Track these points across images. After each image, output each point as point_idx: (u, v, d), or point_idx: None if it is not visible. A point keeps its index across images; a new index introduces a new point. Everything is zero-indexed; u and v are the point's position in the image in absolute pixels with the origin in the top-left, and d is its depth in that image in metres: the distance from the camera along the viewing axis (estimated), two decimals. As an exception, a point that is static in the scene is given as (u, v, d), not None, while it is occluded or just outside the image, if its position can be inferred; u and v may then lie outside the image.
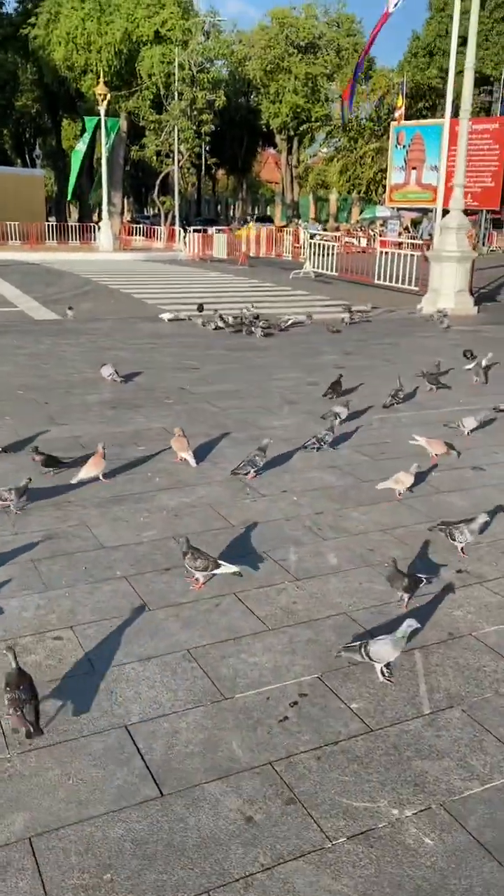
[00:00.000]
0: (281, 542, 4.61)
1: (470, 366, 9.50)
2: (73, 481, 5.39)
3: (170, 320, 13.20)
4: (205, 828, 2.46)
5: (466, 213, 29.14)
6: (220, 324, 12.58)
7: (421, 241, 25.22)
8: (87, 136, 33.23)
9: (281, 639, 3.57)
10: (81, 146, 33.97)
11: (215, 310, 13.41)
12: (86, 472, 5.48)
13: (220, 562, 4.01)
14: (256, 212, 56.98)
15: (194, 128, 37.31)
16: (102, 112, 31.67)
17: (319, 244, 23.99)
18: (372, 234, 36.95)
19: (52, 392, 8.27)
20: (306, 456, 6.23)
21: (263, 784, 2.66)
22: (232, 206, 61.31)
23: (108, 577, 4.15)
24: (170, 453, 6.22)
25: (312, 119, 46.96)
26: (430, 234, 27.77)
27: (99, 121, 32.21)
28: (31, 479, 5.04)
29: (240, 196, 59.41)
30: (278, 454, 6.24)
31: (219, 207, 65.42)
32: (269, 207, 59.27)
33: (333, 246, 23.56)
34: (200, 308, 14.35)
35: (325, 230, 37.86)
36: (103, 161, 32.81)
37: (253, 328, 12.31)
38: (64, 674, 3.27)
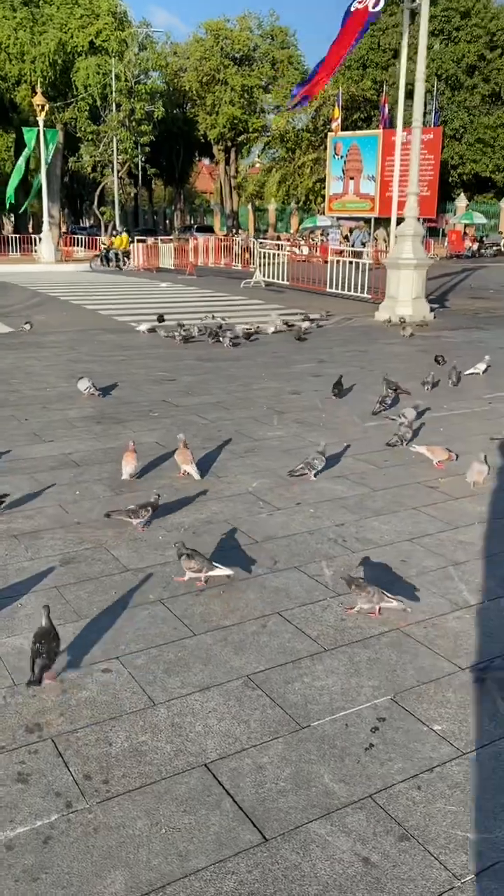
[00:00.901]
0: (310, 557, 4.46)
1: (481, 367, 9.50)
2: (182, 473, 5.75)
3: (148, 331, 12.88)
4: (323, 874, 2.28)
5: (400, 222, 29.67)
6: (196, 333, 12.41)
7: (352, 250, 25.42)
8: (28, 149, 32.54)
9: (341, 659, 3.41)
10: (22, 160, 33.23)
11: (178, 321, 13.21)
12: (184, 465, 5.74)
13: (215, 564, 4.02)
14: (195, 222, 56.75)
15: (133, 138, 37.01)
16: (41, 123, 31.08)
17: (268, 253, 24.01)
18: (314, 242, 37.27)
19: (28, 408, 7.94)
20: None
21: (369, 820, 2.49)
22: (169, 217, 61.02)
23: (141, 601, 3.92)
24: (169, 468, 6.02)
25: (250, 130, 47.15)
26: (363, 243, 28.10)
27: (37, 132, 31.59)
28: (159, 496, 4.92)
29: (177, 206, 59.19)
30: (283, 466, 6.09)
31: (156, 218, 65.03)
32: (207, 217, 59.17)
33: (284, 255, 23.55)
34: (161, 319, 14.13)
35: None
36: (42, 172, 32.19)
37: (221, 338, 12.16)
38: (122, 710, 3.03)
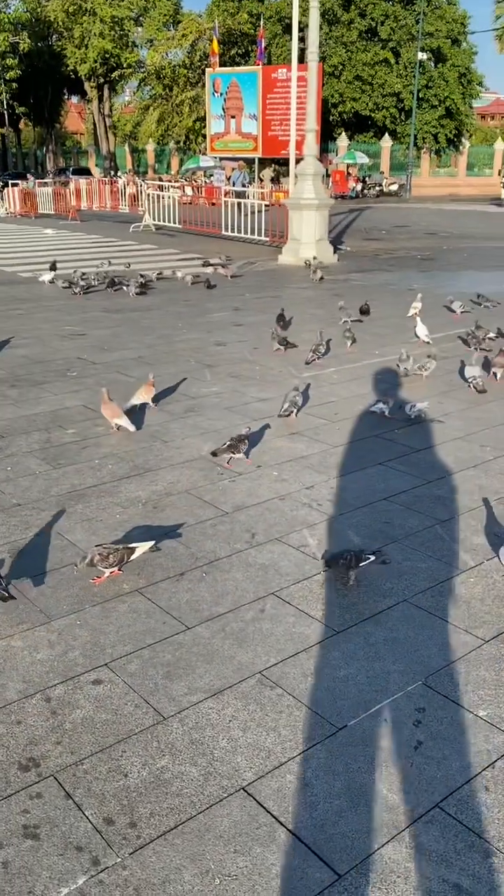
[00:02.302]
0: (289, 526, 4.10)
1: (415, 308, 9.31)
2: (126, 406, 5.69)
3: (50, 282, 11.87)
4: (416, 911, 1.97)
5: (283, 161, 29.00)
6: (95, 283, 11.62)
7: (235, 190, 24.63)
8: None
9: (357, 642, 3.09)
10: None
11: (75, 269, 12.34)
12: (137, 398, 5.84)
13: (132, 545, 3.56)
14: (70, 164, 53.78)
15: (-2, 73, 34.34)
16: None
17: (158, 196, 22.97)
18: (197, 184, 36.12)
19: None
20: (259, 425, 5.71)
21: (445, 836, 2.20)
22: (41, 159, 57.56)
23: (116, 593, 3.46)
24: (108, 435, 5.48)
25: (123, 65, 44.73)
26: (244, 185, 27.37)
27: None
28: (249, 428, 5.08)
29: (49, 148, 55.87)
30: (230, 425, 5.68)
31: (26, 161, 61.24)
32: (81, 159, 56.21)
33: (173, 198, 22.58)
34: (53, 267, 13.15)
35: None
36: None
37: (126, 286, 11.44)
38: (130, 730, 2.60)
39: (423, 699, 2.76)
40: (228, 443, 4.85)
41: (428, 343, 7.92)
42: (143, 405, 6.01)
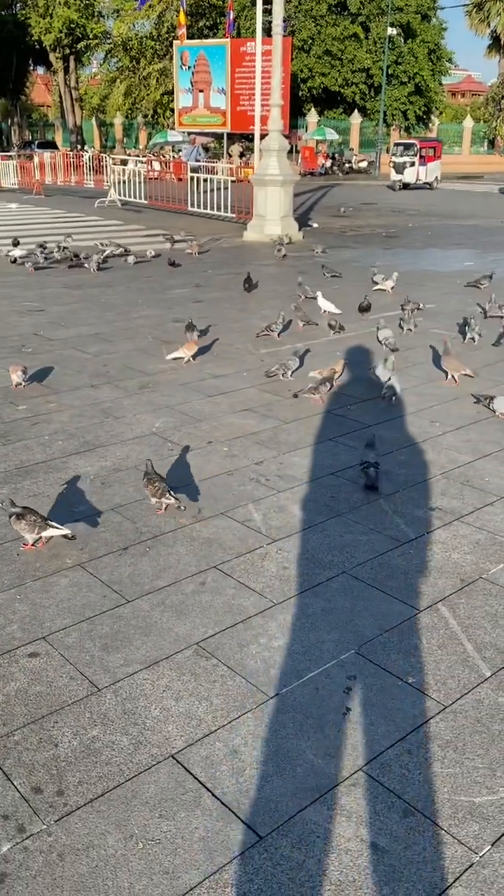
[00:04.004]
0: (236, 501, 4.13)
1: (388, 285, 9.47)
2: (168, 357, 6.49)
3: (21, 258, 11.60)
4: (333, 871, 2.03)
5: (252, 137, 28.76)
6: (57, 257, 11.45)
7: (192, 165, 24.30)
8: None
9: (293, 613, 3.14)
10: None
11: (42, 244, 12.14)
12: (181, 352, 6.55)
13: (51, 523, 3.55)
14: (35, 137, 52.76)
15: (-40, 42, 33.39)
16: None
17: (122, 170, 22.64)
18: (165, 159, 35.66)
19: None
20: (213, 401, 5.72)
21: (367, 797, 2.26)
22: (6, 132, 56.35)
23: (58, 567, 3.47)
24: (60, 411, 5.46)
25: (90, 36, 43.79)
26: (197, 160, 27.00)
27: None
28: (335, 370, 5.69)
29: (14, 121, 54.67)
30: (184, 402, 5.68)
31: (-9, 134, 59.90)
32: (48, 132, 55.15)
33: (140, 172, 22.27)
34: (16, 242, 12.91)
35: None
36: None
37: (87, 263, 11.30)
38: (63, 701, 2.63)
39: (354, 667, 2.82)
40: (311, 386, 5.53)
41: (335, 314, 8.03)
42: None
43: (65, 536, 3.62)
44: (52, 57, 45.43)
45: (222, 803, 2.23)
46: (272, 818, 2.19)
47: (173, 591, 3.28)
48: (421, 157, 32.06)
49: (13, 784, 2.28)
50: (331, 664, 2.83)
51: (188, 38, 33.33)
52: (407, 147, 32.54)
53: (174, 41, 33.72)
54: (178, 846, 2.09)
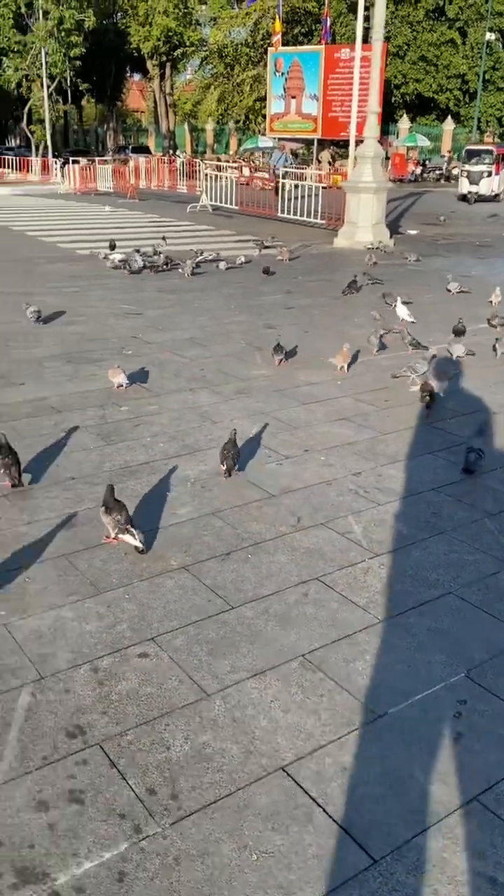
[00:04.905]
0: (335, 511, 4.11)
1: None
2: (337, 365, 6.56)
3: (120, 261, 11.84)
4: (450, 899, 1.99)
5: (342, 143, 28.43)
6: (159, 261, 11.67)
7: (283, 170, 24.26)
8: None
9: (399, 632, 3.09)
10: None
11: (137, 248, 12.40)
12: (336, 360, 6.55)
13: (130, 529, 3.57)
14: (129, 142, 53.98)
15: (63, 51, 34.49)
16: (-38, 29, 28.58)
17: (216, 176, 22.91)
18: (254, 164, 35.90)
19: (-13, 347, 7.26)
20: (308, 409, 5.71)
21: (483, 830, 2.21)
22: (102, 137, 57.90)
23: (163, 568, 3.52)
24: (160, 414, 5.55)
25: (186, 43, 44.53)
26: (286, 166, 26.99)
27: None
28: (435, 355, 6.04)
29: (109, 125, 56.09)
30: (279, 408, 5.70)
31: (87, 138, 61.67)
32: (141, 137, 56.36)
33: (231, 178, 22.50)
34: (112, 246, 13.22)
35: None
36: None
37: (182, 268, 11.47)
38: (173, 704, 2.66)
39: (464, 691, 2.76)
40: (409, 365, 5.94)
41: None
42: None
43: (136, 548, 3.61)
44: (148, 64, 46.41)
45: (335, 821, 2.22)
46: (385, 841, 2.16)
47: (276, 601, 3.29)
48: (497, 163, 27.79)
49: (128, 783, 2.33)
50: (439, 686, 2.78)
51: (283, 44, 33.47)
52: (481, 154, 28.26)
53: (269, 48, 33.89)
54: (292, 861, 2.09)
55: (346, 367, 6.56)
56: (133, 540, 3.59)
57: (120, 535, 3.62)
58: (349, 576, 3.49)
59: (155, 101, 49.78)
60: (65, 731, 2.53)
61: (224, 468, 4.47)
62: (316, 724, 2.59)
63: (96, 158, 32.13)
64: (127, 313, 8.88)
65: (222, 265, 12.07)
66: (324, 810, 2.25)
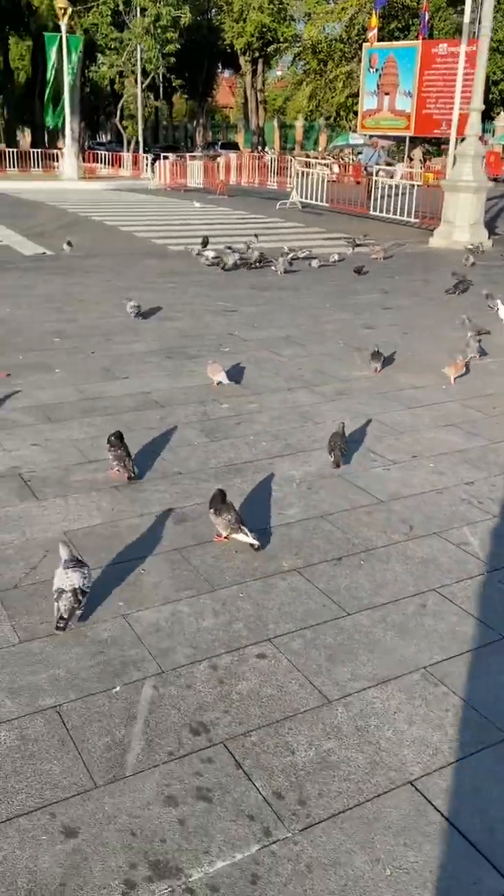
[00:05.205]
0: (448, 521, 4.02)
1: None
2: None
3: (214, 258, 11.93)
4: None
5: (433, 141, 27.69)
6: (252, 258, 11.71)
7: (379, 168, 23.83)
8: (50, 58, 30.60)
9: (524, 649, 3.00)
10: (51, 71, 31.16)
11: (229, 245, 12.48)
12: (448, 371, 6.29)
13: (243, 528, 3.55)
14: (218, 138, 54.46)
15: (158, 47, 34.98)
16: (64, 29, 29.30)
17: (306, 173, 22.82)
18: (344, 162, 35.61)
19: (90, 340, 7.42)
20: (413, 413, 5.61)
21: None
22: (191, 133, 58.55)
23: (275, 569, 3.51)
24: (261, 413, 5.55)
25: (280, 39, 44.51)
26: (378, 164, 26.56)
27: (60, 39, 29.79)
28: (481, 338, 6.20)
29: (199, 121, 56.71)
30: (382, 411, 5.62)
31: (176, 134, 62.46)
32: (230, 134, 56.75)
33: (323, 175, 22.37)
34: (205, 242, 13.32)
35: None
36: (65, 83, 30.49)
37: (275, 265, 11.47)
38: (295, 708, 2.64)
39: None
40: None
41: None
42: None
43: (251, 545, 3.61)
44: (241, 60, 46.65)
45: (469, 843, 2.16)
46: (523, 867, 2.09)
47: (393, 610, 3.23)
48: None
49: (255, 785, 2.32)
50: None
51: (378, 40, 33.05)
52: None
53: (364, 44, 33.52)
54: (428, 880, 2.04)
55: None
56: (247, 538, 3.59)
57: (232, 535, 3.63)
58: (468, 589, 3.41)
59: (245, 98, 49.96)
60: (188, 728, 2.54)
61: (332, 459, 4.51)
62: (443, 738, 2.53)
63: (186, 154, 32.46)
64: (223, 310, 8.92)
65: (315, 263, 12.00)
66: (457, 830, 2.19)
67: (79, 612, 3.00)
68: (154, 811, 2.22)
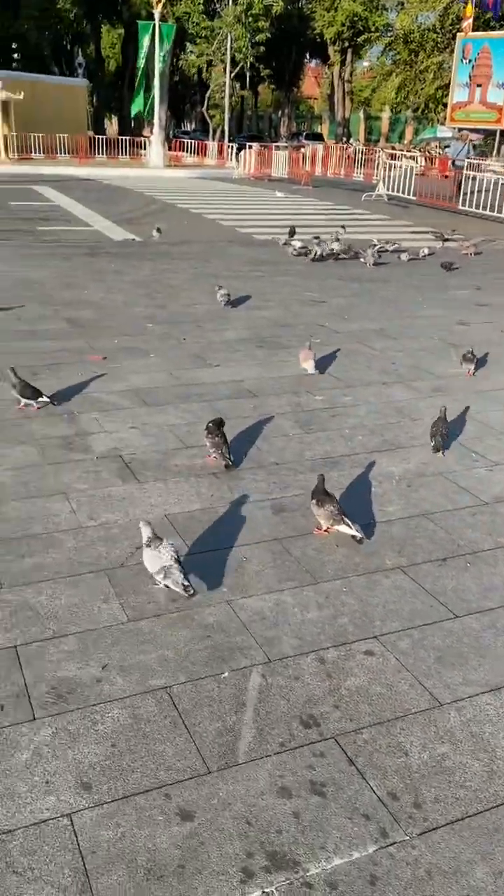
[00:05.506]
0: None
1: None
2: None
3: (301, 248, 11.87)
4: None
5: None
6: (339, 249, 11.61)
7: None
8: (142, 46, 30.89)
9: None
10: (143, 59, 31.46)
11: (316, 235, 12.38)
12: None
13: (346, 519, 3.51)
14: (302, 128, 54.14)
15: (248, 36, 34.94)
16: (157, 17, 29.52)
17: (394, 165, 22.47)
18: (431, 155, 34.91)
19: (180, 326, 7.46)
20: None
21: None
22: (275, 123, 58.39)
23: (378, 566, 3.46)
24: (356, 406, 5.48)
25: (371, 29, 43.89)
26: (466, 158, 25.80)
27: (153, 27, 30.04)
28: None
29: (284, 112, 56.46)
30: (481, 410, 5.47)
31: (260, 124, 62.38)
32: (315, 124, 56.37)
33: (412, 167, 21.98)
34: (292, 232, 13.24)
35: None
36: (156, 71, 30.74)
37: (363, 257, 11.33)
38: (406, 709, 2.59)
39: None
40: None
41: None
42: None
43: (353, 537, 3.57)
44: (330, 50, 46.20)
45: None
46: None
47: (502, 615, 3.14)
48: None
49: (368, 784, 2.29)
50: None
51: (473, 30, 32.21)
52: None
53: (457, 33, 32.75)
54: (554, 898, 1.97)
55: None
56: (349, 529, 3.54)
57: (335, 526, 3.59)
58: None
59: (332, 88, 49.51)
60: (299, 720, 2.52)
61: (433, 444, 4.52)
62: None
63: (271, 144, 32.38)
64: (312, 301, 8.85)
65: (404, 256, 11.80)
66: None
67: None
68: (268, 801, 2.21)
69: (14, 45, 42.23)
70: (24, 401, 5.04)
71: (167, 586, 3.01)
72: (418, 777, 2.32)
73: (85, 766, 2.30)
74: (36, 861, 2.00)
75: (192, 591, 2.97)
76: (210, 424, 4.45)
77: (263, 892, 1.95)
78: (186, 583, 2.96)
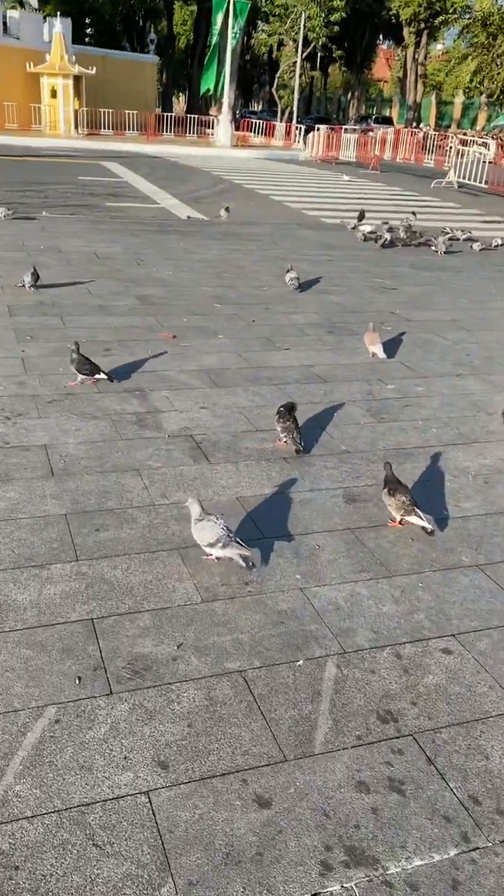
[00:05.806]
0: None
1: None
2: None
3: (370, 233, 11.70)
4: None
5: None
6: (410, 236, 11.41)
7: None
8: (215, 24, 30.68)
9: None
10: (216, 36, 31.24)
11: (385, 221, 12.18)
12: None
13: (417, 511, 3.49)
14: (371, 112, 53.29)
15: (323, 15, 34.40)
16: (232, -7, 29.26)
17: (464, 152, 21.93)
18: (503, 142, 33.96)
19: (251, 308, 7.41)
20: None
21: None
22: (344, 106, 57.57)
23: (454, 563, 3.38)
24: (429, 397, 5.37)
25: (448, 10, 42.84)
26: None
27: (227, 3, 29.80)
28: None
29: (354, 94, 55.60)
30: None
31: (329, 106, 61.61)
32: (385, 108, 55.42)
33: (484, 155, 21.43)
34: (361, 216, 13.04)
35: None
36: (228, 49, 30.53)
37: (433, 244, 11.10)
38: (486, 711, 2.52)
39: None
40: None
41: None
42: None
43: (423, 528, 3.52)
44: (405, 31, 45.26)
45: None
46: None
47: None
48: None
49: (448, 785, 2.23)
50: None
51: None
52: None
53: (540, 17, 31.77)
54: None
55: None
56: (420, 521, 3.47)
57: (406, 517, 3.52)
58: None
59: (404, 71, 48.51)
60: (376, 714, 2.48)
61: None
62: None
63: (339, 127, 31.92)
64: (383, 287, 8.71)
65: (476, 246, 11.54)
66: None
67: None
68: (346, 795, 2.18)
69: (87, 20, 42.36)
70: (80, 377, 5.03)
71: (224, 557, 3.01)
72: (500, 782, 2.26)
73: (162, 744, 2.30)
74: (115, 836, 2.01)
75: (251, 563, 2.96)
76: (281, 409, 4.40)
77: (343, 886, 1.92)
78: (247, 553, 2.95)
